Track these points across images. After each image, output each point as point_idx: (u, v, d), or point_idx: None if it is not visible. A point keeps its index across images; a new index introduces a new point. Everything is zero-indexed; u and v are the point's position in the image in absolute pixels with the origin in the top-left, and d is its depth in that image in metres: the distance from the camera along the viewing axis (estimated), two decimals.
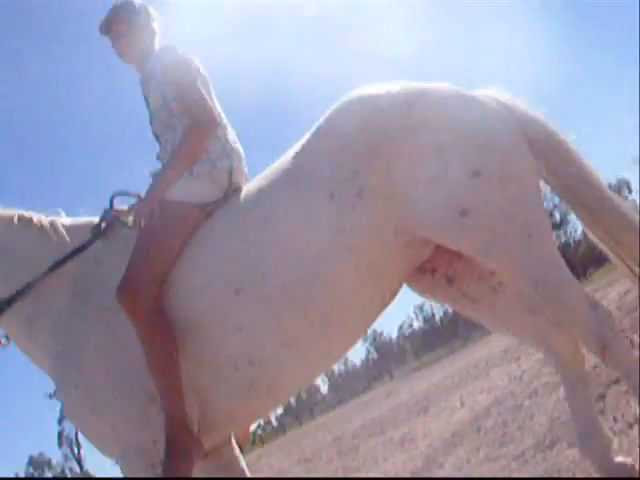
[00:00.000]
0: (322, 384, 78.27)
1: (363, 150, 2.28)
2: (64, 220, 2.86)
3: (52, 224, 2.81)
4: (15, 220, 2.80)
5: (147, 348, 2.41)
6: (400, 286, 2.53)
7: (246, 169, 2.78)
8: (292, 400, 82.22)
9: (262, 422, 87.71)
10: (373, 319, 2.56)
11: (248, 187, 2.60)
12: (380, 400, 19.41)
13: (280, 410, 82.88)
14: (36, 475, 63.42)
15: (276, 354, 2.42)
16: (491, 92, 2.46)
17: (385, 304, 2.51)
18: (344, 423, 16.92)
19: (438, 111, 2.28)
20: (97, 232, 2.74)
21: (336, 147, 2.34)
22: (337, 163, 2.31)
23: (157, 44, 2.90)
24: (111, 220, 2.76)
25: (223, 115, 2.79)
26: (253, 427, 3.10)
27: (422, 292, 2.67)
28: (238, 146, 2.77)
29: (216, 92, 2.77)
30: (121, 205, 2.84)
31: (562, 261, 2.29)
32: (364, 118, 2.33)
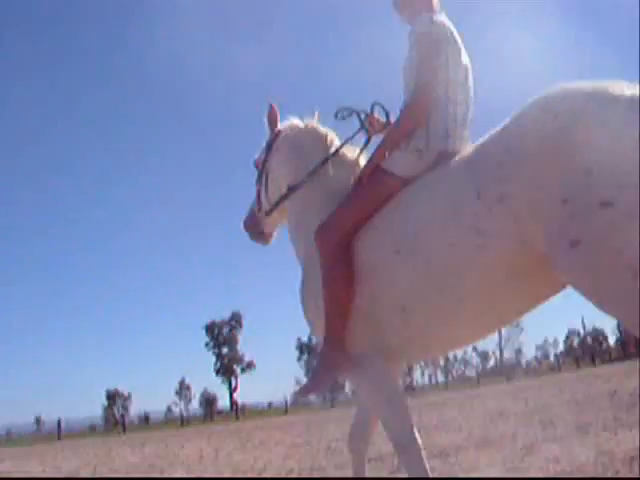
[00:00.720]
0: (609, 334, 74.41)
1: (520, 158, 2.30)
2: (349, 149, 3.44)
3: (339, 151, 3.41)
4: (320, 134, 3.54)
5: (327, 279, 2.87)
6: (558, 287, 2.53)
7: (465, 145, 2.93)
8: (575, 342, 79.80)
9: (539, 355, 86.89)
10: (518, 310, 2.68)
11: (440, 166, 2.80)
12: None
13: (561, 349, 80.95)
14: None
15: (421, 308, 2.71)
16: None
17: (539, 299, 2.62)
18: (625, 378, 16.28)
19: (601, 129, 2.12)
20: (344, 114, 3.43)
21: (502, 148, 2.40)
22: (497, 164, 2.39)
23: (434, 2, 3.17)
24: (362, 122, 3.40)
25: (471, 92, 3.05)
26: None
27: None
28: (465, 127, 2.99)
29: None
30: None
31: None
32: (530, 124, 2.33)
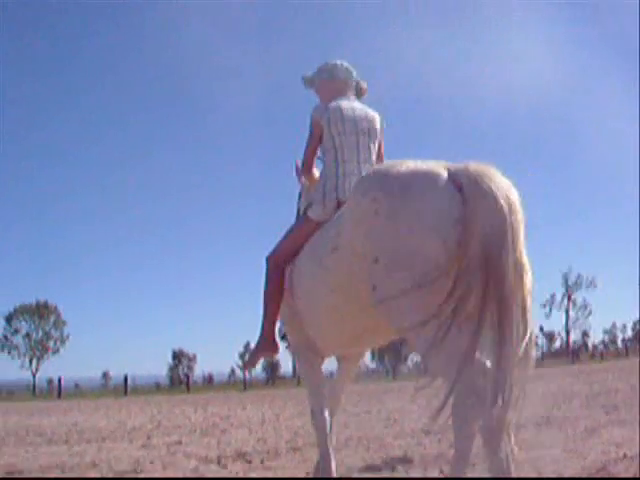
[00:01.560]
0: None
1: (346, 219, 3.08)
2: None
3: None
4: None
5: (267, 286, 3.83)
6: None
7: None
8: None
9: (606, 339, 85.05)
10: (365, 334, 3.46)
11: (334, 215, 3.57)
12: None
13: (629, 334, 78.69)
14: None
15: (313, 322, 3.64)
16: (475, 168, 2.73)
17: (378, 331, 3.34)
18: None
19: (375, 203, 2.79)
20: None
21: (341, 215, 3.26)
22: (336, 224, 3.26)
23: (347, 93, 4.07)
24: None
25: (366, 151, 3.89)
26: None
27: None
28: (353, 179, 3.69)
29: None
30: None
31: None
32: (350, 196, 3.18)
